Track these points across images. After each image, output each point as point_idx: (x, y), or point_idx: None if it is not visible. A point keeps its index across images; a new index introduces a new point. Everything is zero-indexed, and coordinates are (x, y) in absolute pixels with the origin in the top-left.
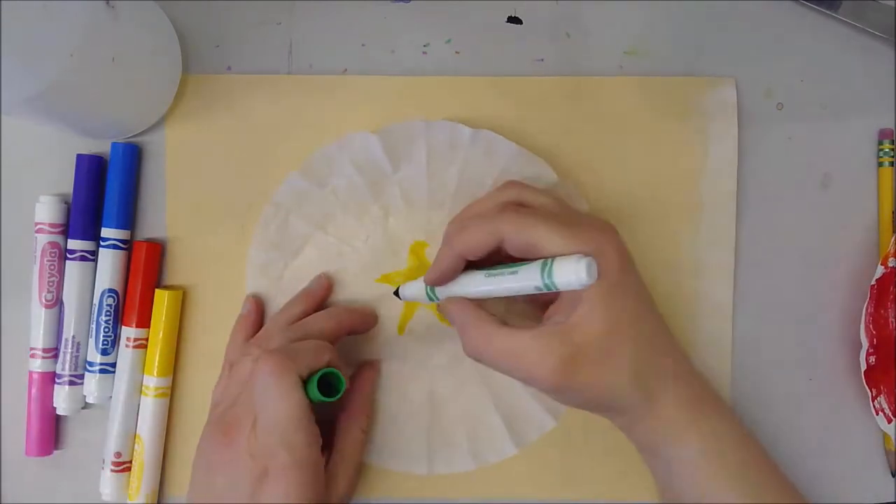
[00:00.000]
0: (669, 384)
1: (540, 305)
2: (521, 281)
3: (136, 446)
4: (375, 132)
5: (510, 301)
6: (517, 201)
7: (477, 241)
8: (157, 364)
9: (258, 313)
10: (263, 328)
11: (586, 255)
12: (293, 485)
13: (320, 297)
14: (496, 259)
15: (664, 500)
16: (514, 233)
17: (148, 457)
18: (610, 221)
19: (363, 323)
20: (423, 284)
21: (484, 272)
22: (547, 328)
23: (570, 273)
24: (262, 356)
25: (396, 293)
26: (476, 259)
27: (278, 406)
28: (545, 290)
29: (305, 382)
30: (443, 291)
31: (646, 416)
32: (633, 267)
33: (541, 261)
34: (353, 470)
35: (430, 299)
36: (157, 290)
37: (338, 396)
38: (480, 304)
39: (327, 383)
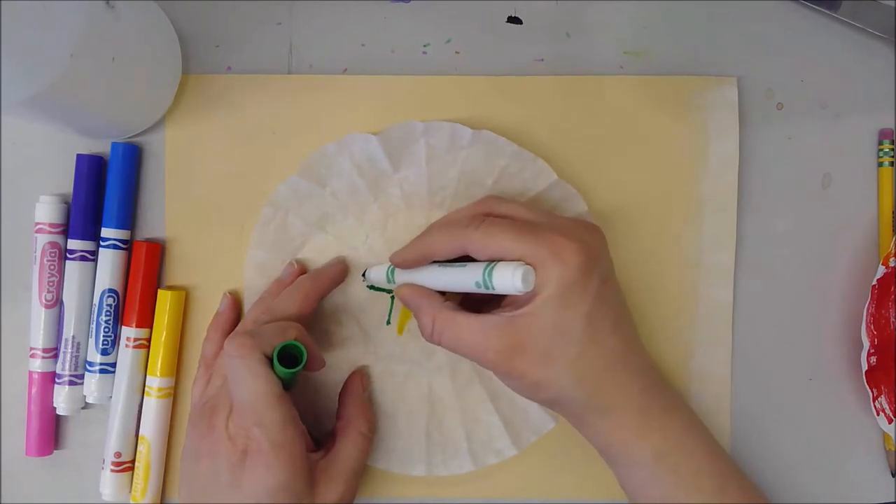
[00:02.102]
0: (621, 391)
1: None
2: (465, 276)
3: (140, 447)
4: (376, 133)
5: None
6: (489, 212)
7: (441, 246)
8: (160, 364)
9: (235, 310)
10: (240, 323)
11: (534, 262)
12: (272, 465)
13: (290, 283)
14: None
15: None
16: (477, 242)
17: (154, 457)
18: (607, 221)
19: (331, 280)
20: (385, 267)
21: (438, 264)
22: (494, 317)
23: (507, 278)
24: (226, 341)
25: (363, 275)
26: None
27: (247, 385)
28: (485, 290)
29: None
30: (401, 277)
31: (597, 420)
32: (601, 274)
33: (486, 262)
34: (351, 473)
35: (388, 281)
36: (159, 291)
37: (300, 367)
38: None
39: (291, 356)
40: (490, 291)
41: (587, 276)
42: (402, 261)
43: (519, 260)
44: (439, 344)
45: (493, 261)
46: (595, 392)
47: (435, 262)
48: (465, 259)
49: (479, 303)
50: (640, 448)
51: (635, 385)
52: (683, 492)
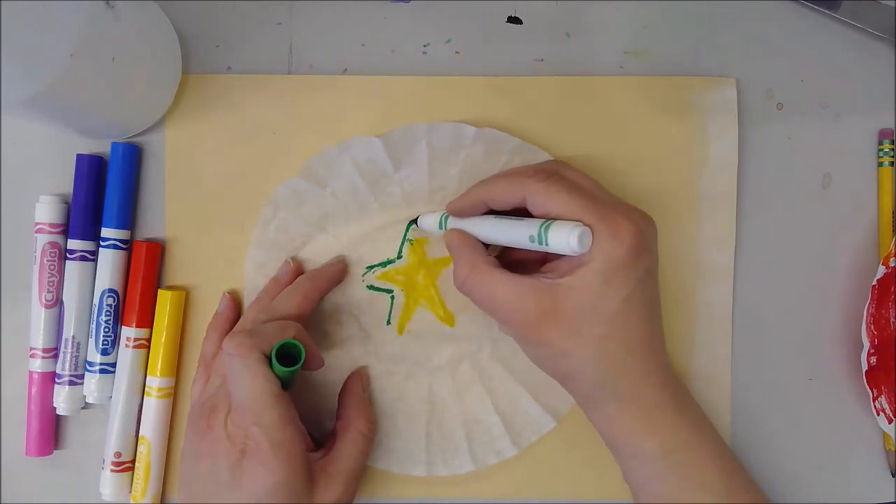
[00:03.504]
0: (637, 383)
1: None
2: (520, 229)
3: (140, 447)
4: (378, 136)
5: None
6: (554, 171)
7: (501, 191)
8: (160, 364)
9: (234, 310)
10: (238, 322)
11: (592, 227)
12: (270, 464)
13: (288, 282)
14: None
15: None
16: (538, 193)
17: (154, 457)
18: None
19: (330, 280)
20: (439, 214)
21: (495, 215)
22: (533, 279)
23: (563, 236)
24: (225, 340)
25: (415, 221)
26: (498, 209)
27: (245, 384)
28: (538, 245)
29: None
30: (454, 225)
31: (604, 405)
32: (648, 263)
33: (543, 219)
34: (351, 473)
35: (441, 228)
36: (159, 291)
37: (298, 365)
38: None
39: (289, 355)
40: (542, 248)
41: (636, 259)
42: (457, 207)
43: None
44: (469, 295)
45: (549, 218)
46: (614, 375)
47: (491, 213)
48: (520, 214)
49: (513, 267)
50: (649, 441)
51: (653, 378)
52: (689, 489)
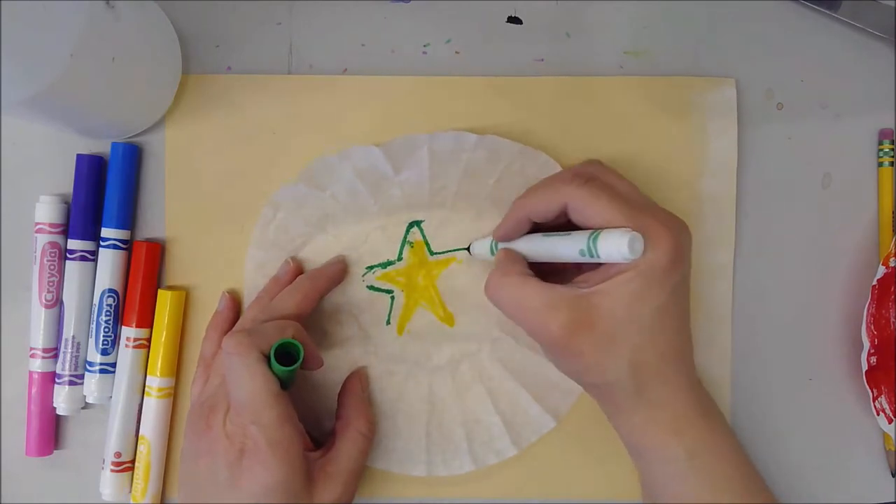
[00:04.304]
0: (667, 389)
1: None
2: (569, 244)
3: (140, 447)
4: (379, 146)
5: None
6: (591, 176)
7: (541, 202)
8: (160, 364)
9: (234, 310)
10: (238, 322)
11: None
12: (269, 463)
13: (288, 282)
14: (566, 228)
15: (643, 500)
16: (578, 199)
17: (154, 457)
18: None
19: (330, 280)
20: (489, 240)
21: (542, 233)
22: (566, 288)
23: (613, 244)
24: (224, 339)
25: (468, 249)
26: (541, 221)
27: (244, 383)
28: (589, 258)
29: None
30: (503, 247)
31: (633, 412)
32: (683, 271)
33: (590, 230)
34: (350, 473)
35: (492, 254)
36: (159, 291)
37: (297, 365)
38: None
39: (288, 354)
40: (593, 260)
41: (672, 268)
42: (502, 231)
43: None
44: (498, 302)
45: (588, 227)
46: (645, 384)
47: (537, 232)
48: (565, 228)
49: (546, 278)
50: (674, 445)
51: (683, 383)
52: (710, 492)
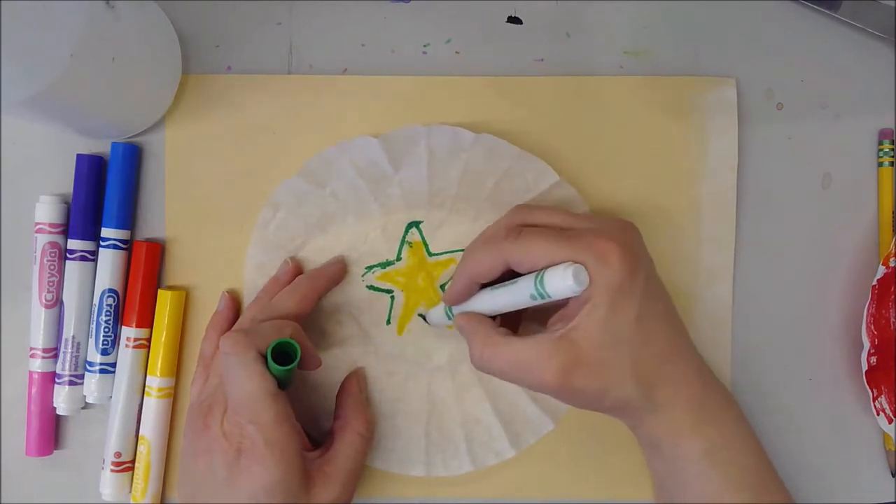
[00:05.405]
0: (676, 387)
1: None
2: (518, 292)
3: (140, 447)
4: (376, 137)
5: (527, 315)
6: (523, 223)
7: (484, 265)
8: (160, 364)
9: (233, 310)
10: (237, 322)
11: (579, 263)
12: (266, 463)
13: (287, 282)
14: (514, 278)
15: (657, 500)
16: (516, 255)
17: (154, 457)
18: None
19: (329, 280)
20: (442, 306)
21: (489, 288)
22: (546, 336)
23: (559, 280)
24: (222, 339)
25: (424, 318)
26: (488, 281)
27: (241, 383)
28: (540, 300)
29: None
30: (458, 310)
31: (650, 417)
32: (644, 272)
33: (535, 272)
34: (348, 474)
35: (448, 318)
36: (159, 291)
37: (294, 364)
38: (492, 318)
39: (285, 354)
40: (546, 301)
41: (632, 276)
42: (451, 295)
43: (555, 265)
44: (489, 369)
45: (536, 271)
46: (652, 391)
47: (484, 286)
48: (510, 277)
49: (517, 328)
50: (692, 442)
51: (690, 379)
52: (729, 488)
